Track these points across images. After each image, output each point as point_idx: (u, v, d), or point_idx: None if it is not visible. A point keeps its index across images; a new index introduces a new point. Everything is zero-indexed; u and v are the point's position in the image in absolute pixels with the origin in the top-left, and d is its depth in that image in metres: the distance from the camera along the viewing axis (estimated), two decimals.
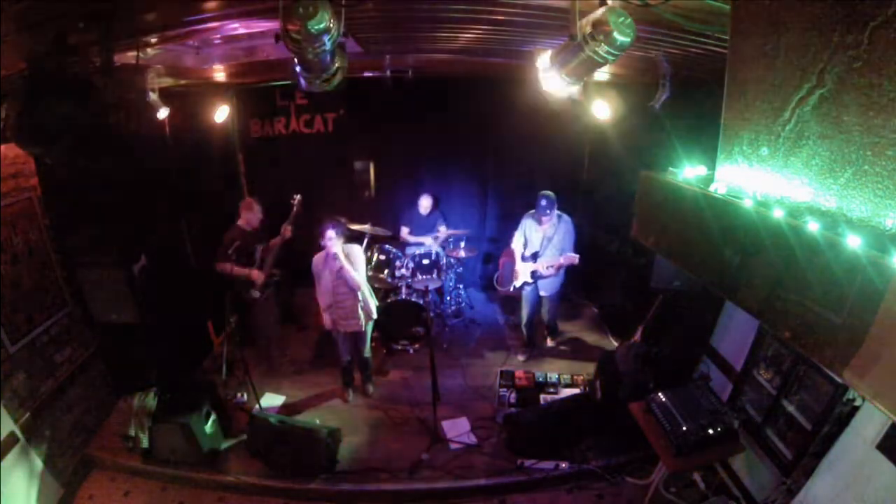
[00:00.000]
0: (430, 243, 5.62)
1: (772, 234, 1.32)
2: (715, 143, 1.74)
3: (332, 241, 3.88)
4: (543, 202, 4.55)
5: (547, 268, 4.71)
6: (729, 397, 3.84)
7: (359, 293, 4.11)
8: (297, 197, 4.74)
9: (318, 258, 4.06)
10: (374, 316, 4.34)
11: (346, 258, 3.98)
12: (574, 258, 4.56)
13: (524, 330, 5.27)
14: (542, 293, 5.02)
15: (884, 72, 1.11)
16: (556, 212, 4.69)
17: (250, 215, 4.56)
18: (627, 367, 4.05)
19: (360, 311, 4.18)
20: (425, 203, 5.73)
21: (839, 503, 2.73)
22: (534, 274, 4.83)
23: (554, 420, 4.04)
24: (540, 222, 4.69)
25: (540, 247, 4.76)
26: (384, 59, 4.07)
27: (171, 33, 2.74)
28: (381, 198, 6.35)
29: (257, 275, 4.53)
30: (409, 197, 6.07)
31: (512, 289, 5.12)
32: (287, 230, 4.62)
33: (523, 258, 4.88)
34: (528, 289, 4.97)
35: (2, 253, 3.35)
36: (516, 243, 4.93)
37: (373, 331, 4.55)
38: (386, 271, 5.21)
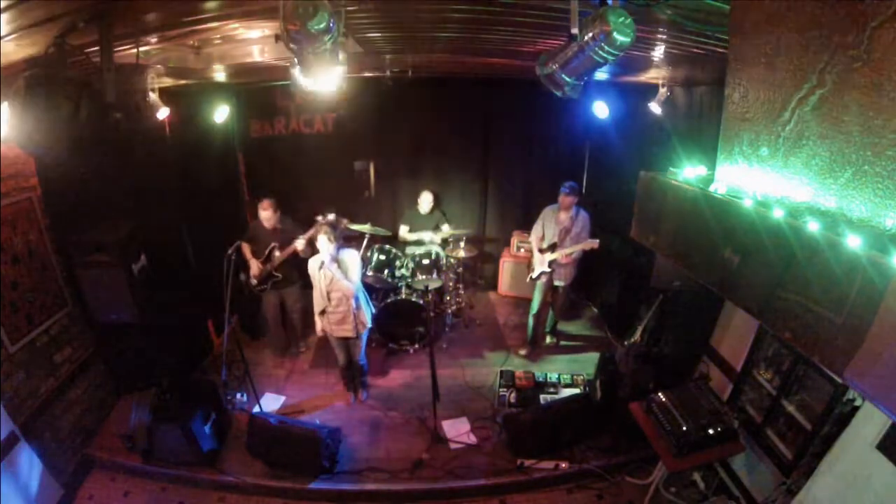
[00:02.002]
0: (429, 239, 5.61)
1: (772, 234, 1.32)
2: (715, 143, 1.74)
3: (325, 244, 3.74)
4: (567, 184, 4.78)
5: (566, 256, 4.79)
6: (729, 397, 3.84)
7: (352, 300, 3.99)
8: (321, 218, 4.60)
9: (313, 261, 3.97)
10: (368, 325, 4.21)
11: (339, 265, 3.85)
12: (594, 242, 4.69)
13: (531, 320, 5.30)
14: (556, 283, 5.08)
15: (884, 72, 1.11)
16: (576, 206, 4.83)
17: (261, 218, 4.65)
18: (627, 368, 4.05)
19: (353, 319, 4.07)
20: (426, 199, 5.71)
21: (839, 503, 2.73)
22: (552, 264, 4.89)
23: (554, 420, 4.03)
24: (559, 205, 4.82)
25: (558, 238, 4.87)
26: (384, 59, 4.07)
27: (171, 33, 2.74)
28: (381, 198, 6.35)
29: (254, 265, 4.66)
30: (409, 197, 6.07)
31: (528, 279, 5.16)
32: (298, 243, 4.47)
33: (541, 249, 4.96)
34: (543, 279, 5.03)
35: (2, 253, 3.35)
36: (534, 235, 5.06)
37: (369, 336, 4.47)
38: (386, 271, 5.21)
